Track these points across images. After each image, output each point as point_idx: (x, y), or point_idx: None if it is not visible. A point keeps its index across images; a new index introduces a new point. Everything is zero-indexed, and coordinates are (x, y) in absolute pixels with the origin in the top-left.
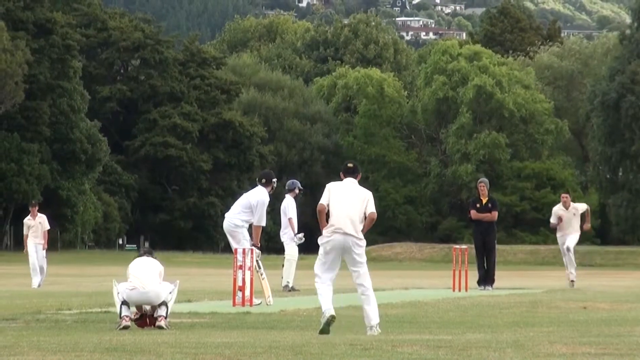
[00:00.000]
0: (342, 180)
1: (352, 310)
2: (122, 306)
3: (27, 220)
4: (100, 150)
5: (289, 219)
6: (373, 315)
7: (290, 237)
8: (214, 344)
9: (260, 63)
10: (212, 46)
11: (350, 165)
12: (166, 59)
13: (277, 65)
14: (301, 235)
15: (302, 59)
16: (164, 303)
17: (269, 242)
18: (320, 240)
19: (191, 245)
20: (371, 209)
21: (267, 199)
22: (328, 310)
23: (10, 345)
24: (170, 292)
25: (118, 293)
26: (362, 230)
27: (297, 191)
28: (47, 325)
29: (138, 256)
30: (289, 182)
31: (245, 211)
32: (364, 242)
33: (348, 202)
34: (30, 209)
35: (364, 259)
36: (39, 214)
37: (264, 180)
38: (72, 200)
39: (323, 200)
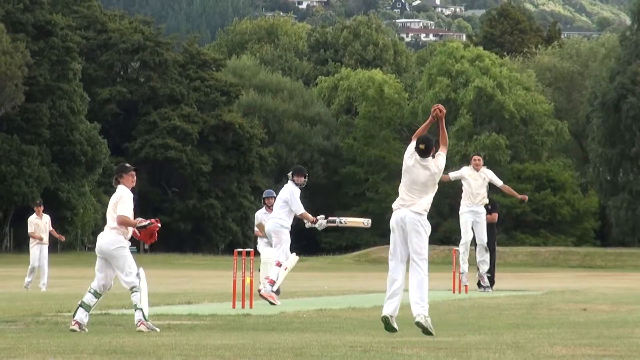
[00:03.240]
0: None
1: (351, 312)
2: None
3: (34, 219)
4: (100, 152)
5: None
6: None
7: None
8: (214, 346)
9: (260, 65)
10: (210, 48)
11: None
12: (166, 61)
13: (277, 67)
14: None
15: (302, 61)
16: (137, 308)
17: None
18: None
19: (191, 247)
20: None
21: (295, 189)
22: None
23: (10, 348)
24: (134, 289)
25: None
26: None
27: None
28: (47, 328)
29: None
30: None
31: (283, 209)
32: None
33: None
34: (35, 208)
35: None
36: (44, 214)
37: (292, 174)
38: (72, 202)
39: None
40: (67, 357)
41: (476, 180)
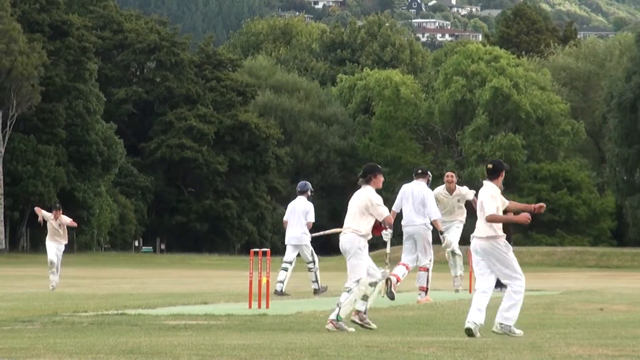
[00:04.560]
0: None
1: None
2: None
3: (49, 217)
4: (116, 152)
5: (309, 223)
6: None
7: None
8: (230, 346)
9: (276, 65)
10: (226, 49)
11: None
12: (182, 61)
13: (292, 67)
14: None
15: (319, 61)
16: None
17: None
18: None
19: (207, 247)
20: None
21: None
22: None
23: (27, 347)
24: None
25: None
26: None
27: (309, 193)
28: (64, 327)
29: None
30: (301, 183)
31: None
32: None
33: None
34: (53, 211)
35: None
36: (63, 216)
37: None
38: (88, 202)
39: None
40: (84, 357)
41: (448, 204)
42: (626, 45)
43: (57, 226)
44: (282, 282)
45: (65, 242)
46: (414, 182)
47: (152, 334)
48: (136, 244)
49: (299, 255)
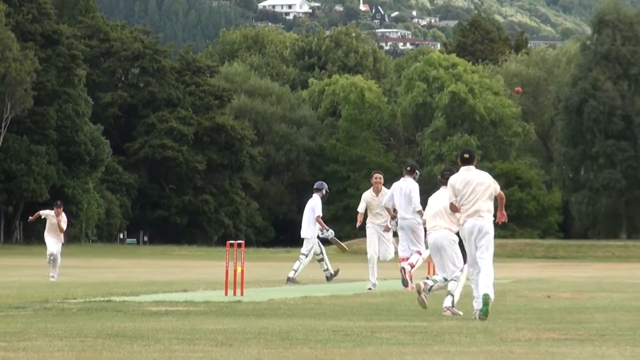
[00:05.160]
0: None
1: (334, 299)
2: None
3: (49, 213)
4: (102, 151)
5: (317, 217)
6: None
7: (316, 234)
8: (208, 330)
9: (250, 71)
10: (204, 56)
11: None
12: (163, 68)
13: (265, 73)
14: (331, 231)
15: (289, 68)
16: (450, 294)
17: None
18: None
19: (187, 239)
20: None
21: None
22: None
23: (20, 332)
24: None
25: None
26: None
27: (324, 192)
28: (54, 313)
29: None
30: (318, 182)
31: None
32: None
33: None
34: (55, 208)
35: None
36: (63, 214)
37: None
38: (77, 198)
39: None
40: (73, 340)
41: (377, 205)
42: (572, 53)
43: (56, 223)
44: (326, 270)
45: (62, 240)
46: (402, 178)
47: (136, 319)
48: (121, 236)
49: (325, 242)
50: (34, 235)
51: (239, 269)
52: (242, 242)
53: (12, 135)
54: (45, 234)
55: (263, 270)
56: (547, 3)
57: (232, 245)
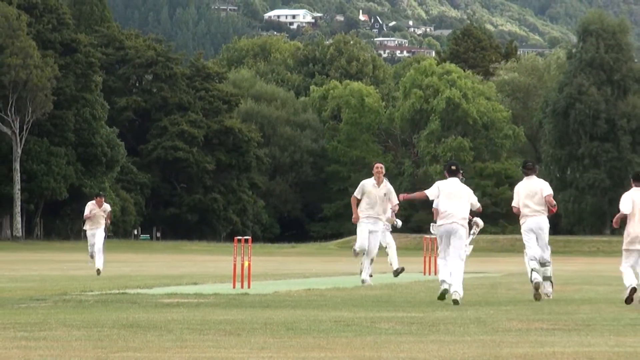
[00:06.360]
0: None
1: (336, 292)
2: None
3: (91, 205)
4: (118, 153)
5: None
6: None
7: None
8: (217, 321)
9: (257, 77)
10: (213, 63)
11: (453, 167)
12: (175, 74)
13: (271, 79)
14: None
15: (293, 74)
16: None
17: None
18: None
19: (197, 235)
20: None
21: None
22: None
23: (41, 322)
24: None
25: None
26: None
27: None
28: (73, 305)
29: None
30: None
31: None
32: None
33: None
34: (96, 198)
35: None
36: (105, 204)
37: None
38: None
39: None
40: (90, 330)
41: (377, 196)
42: (559, 61)
43: (98, 213)
44: (392, 263)
45: (102, 227)
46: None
47: (149, 310)
48: (135, 232)
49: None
50: (54, 231)
51: (246, 263)
52: (249, 238)
53: (33, 137)
54: (87, 227)
55: (269, 265)
56: (536, 13)
57: (239, 240)
